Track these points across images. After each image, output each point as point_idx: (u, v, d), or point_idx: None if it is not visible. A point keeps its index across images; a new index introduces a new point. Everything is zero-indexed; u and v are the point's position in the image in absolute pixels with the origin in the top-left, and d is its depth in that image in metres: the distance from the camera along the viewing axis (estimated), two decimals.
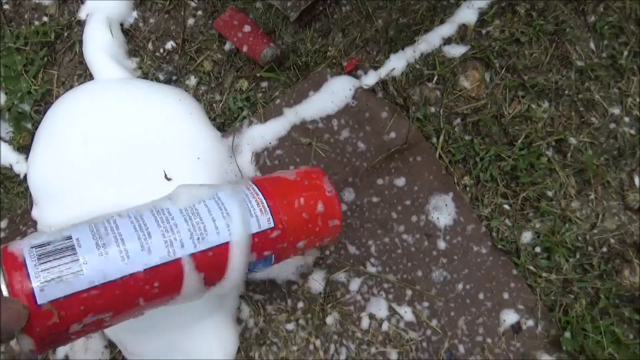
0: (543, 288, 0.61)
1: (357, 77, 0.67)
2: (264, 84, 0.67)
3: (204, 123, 0.65)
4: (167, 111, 0.64)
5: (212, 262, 0.45)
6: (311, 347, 0.60)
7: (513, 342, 0.60)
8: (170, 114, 0.64)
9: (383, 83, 0.66)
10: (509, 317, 0.61)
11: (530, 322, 0.60)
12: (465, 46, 0.67)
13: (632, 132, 0.65)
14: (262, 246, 0.48)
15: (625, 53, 0.67)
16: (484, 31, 0.67)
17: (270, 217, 0.48)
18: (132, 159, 0.62)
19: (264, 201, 0.49)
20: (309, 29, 0.68)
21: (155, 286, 0.42)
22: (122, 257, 0.41)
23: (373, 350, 0.60)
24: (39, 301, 0.37)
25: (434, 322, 0.61)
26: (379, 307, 0.61)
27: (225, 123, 0.67)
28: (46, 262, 0.39)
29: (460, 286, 0.62)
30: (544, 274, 0.62)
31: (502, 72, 0.66)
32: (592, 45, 0.67)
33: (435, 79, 0.66)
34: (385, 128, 0.65)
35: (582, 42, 0.67)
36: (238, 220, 0.46)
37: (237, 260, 0.46)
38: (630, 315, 0.59)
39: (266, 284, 0.62)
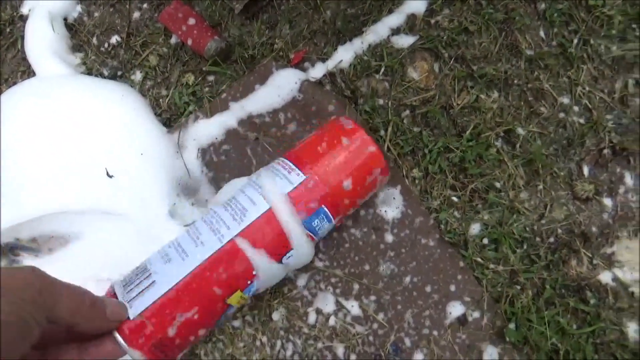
0: (490, 280, 0.61)
1: (305, 70, 0.66)
2: (211, 78, 0.66)
3: (148, 118, 0.65)
4: (111, 107, 0.63)
5: (264, 234, 0.48)
6: (258, 343, 0.60)
7: (459, 334, 0.60)
8: (114, 110, 0.63)
9: (331, 75, 0.65)
10: (455, 309, 0.61)
11: (477, 314, 0.60)
12: (414, 36, 0.66)
13: (581, 121, 0.65)
14: (304, 200, 0.49)
15: (575, 41, 0.66)
16: (432, 21, 0.66)
17: (298, 171, 0.50)
18: (74, 155, 0.61)
19: (288, 162, 0.52)
20: (255, 21, 0.67)
21: (221, 271, 0.46)
22: (182, 258, 0.46)
23: (319, 345, 0.60)
24: (131, 316, 0.42)
25: (380, 316, 0.61)
26: (326, 302, 0.61)
27: (171, 118, 0.66)
28: (129, 286, 0.45)
29: (407, 279, 0.62)
30: (491, 266, 0.61)
31: (451, 62, 0.66)
32: (542, 33, 0.66)
33: (383, 70, 0.65)
34: None
35: (531, 30, 0.66)
36: (269, 185, 0.49)
37: (287, 223, 0.48)
38: (575, 305, 0.59)
39: None
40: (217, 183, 0.64)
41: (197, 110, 0.65)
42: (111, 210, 0.59)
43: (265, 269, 0.48)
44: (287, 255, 0.50)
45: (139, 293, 0.44)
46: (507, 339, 0.58)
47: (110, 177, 0.60)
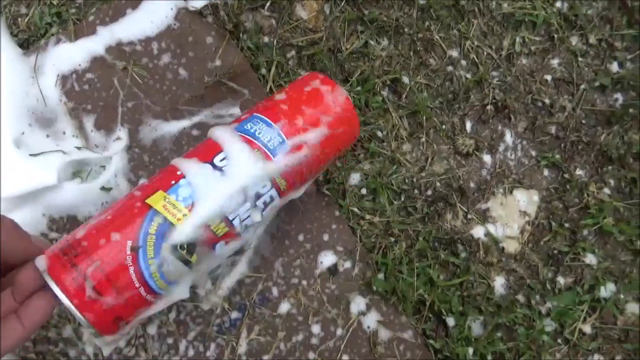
0: (365, 230, 0.59)
1: None
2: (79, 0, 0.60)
3: (2, 37, 0.57)
4: None
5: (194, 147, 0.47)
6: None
7: (328, 284, 0.58)
8: None
9: (213, 7, 0.60)
10: (327, 259, 0.58)
11: (348, 264, 0.58)
12: None
13: (468, 76, 0.64)
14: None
15: None
16: None
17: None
18: None
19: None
20: None
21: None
22: None
23: None
24: None
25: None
26: None
27: (29, 40, 0.59)
28: None
29: (281, 227, 0.59)
30: (367, 216, 0.60)
31: (342, 4, 0.62)
32: None
33: (269, 4, 0.61)
34: (211, 54, 0.59)
35: None
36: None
37: (213, 130, 0.47)
38: (446, 258, 0.59)
39: None
40: (77, 114, 0.58)
41: (60, 32, 0.58)
42: None
43: (195, 171, 0.44)
44: (219, 157, 0.45)
45: None
46: (375, 289, 0.57)
47: None
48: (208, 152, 0.46)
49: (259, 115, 0.48)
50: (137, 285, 0.39)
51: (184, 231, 0.42)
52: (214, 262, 0.47)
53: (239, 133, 0.46)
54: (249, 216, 0.45)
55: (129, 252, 0.40)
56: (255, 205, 0.45)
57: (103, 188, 0.56)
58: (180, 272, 0.43)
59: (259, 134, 0.46)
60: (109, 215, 0.41)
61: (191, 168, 0.44)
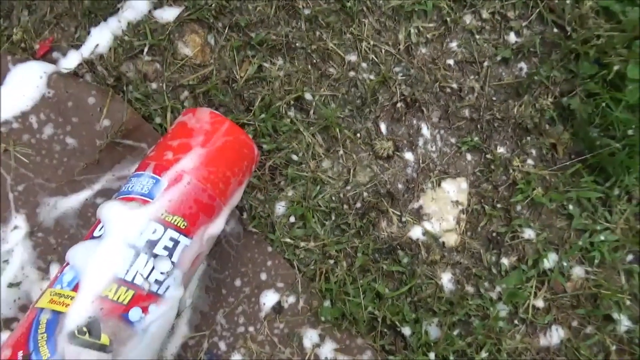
0: (302, 259, 0.57)
1: (55, 61, 0.56)
2: None
3: None
4: None
5: None
6: None
7: (276, 324, 0.55)
8: None
9: (88, 63, 0.56)
10: (269, 299, 0.56)
11: (292, 299, 0.56)
12: (179, 7, 0.58)
13: (372, 77, 0.62)
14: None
15: None
16: None
17: None
18: None
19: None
20: None
21: None
22: None
23: None
24: None
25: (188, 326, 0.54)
26: None
27: None
28: None
29: (213, 277, 0.55)
30: (301, 244, 0.57)
31: (226, 32, 0.59)
32: None
33: (147, 49, 0.57)
34: (96, 115, 0.55)
35: None
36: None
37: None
38: (389, 268, 0.57)
39: None
40: None
41: None
42: None
43: (75, 252, 0.42)
44: (98, 228, 0.43)
45: None
46: (322, 318, 0.55)
47: None
48: (91, 230, 0.43)
49: (131, 174, 0.45)
50: None
51: (74, 313, 0.38)
52: (146, 337, 0.43)
53: (117, 198, 0.44)
54: (153, 268, 0.42)
55: None
56: (154, 255, 0.42)
57: (11, 285, 0.51)
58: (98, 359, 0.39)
59: (131, 187, 0.44)
60: (9, 336, 0.38)
61: (72, 252, 0.41)
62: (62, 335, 0.37)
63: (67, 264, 0.41)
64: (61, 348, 0.36)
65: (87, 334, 0.38)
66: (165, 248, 0.42)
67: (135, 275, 0.40)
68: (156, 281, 0.42)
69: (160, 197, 0.42)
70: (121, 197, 0.43)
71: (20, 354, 0.36)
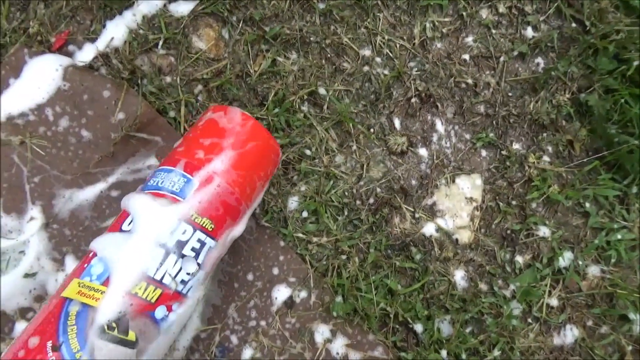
0: (314, 255, 0.57)
1: (71, 54, 0.56)
2: None
3: None
4: None
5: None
6: None
7: (287, 318, 0.55)
8: None
9: (103, 56, 0.56)
10: (281, 293, 0.56)
11: (304, 294, 0.56)
12: (194, 1, 0.58)
13: (386, 72, 0.62)
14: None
15: None
16: None
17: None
18: None
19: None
20: (2, 4, 0.56)
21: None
22: None
23: None
24: None
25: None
26: None
27: None
28: None
29: (225, 271, 0.56)
30: (314, 239, 0.57)
31: (240, 25, 0.59)
32: None
33: (162, 43, 0.57)
34: (111, 108, 0.55)
35: None
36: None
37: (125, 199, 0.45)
38: (401, 264, 0.57)
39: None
40: None
41: None
42: None
43: (104, 244, 0.42)
44: (126, 221, 0.43)
45: None
46: (334, 314, 0.55)
47: None
48: (118, 222, 0.43)
49: (159, 167, 0.45)
50: None
51: (106, 308, 0.38)
52: (168, 334, 0.43)
53: (145, 192, 0.43)
54: (180, 269, 0.42)
55: (50, 353, 0.37)
56: (183, 256, 0.42)
57: (27, 275, 0.52)
58: (123, 355, 0.39)
59: (161, 183, 0.43)
60: (31, 323, 0.38)
61: (100, 243, 0.41)
62: (93, 329, 0.37)
63: (94, 254, 0.41)
64: (91, 342, 0.37)
65: (115, 330, 0.38)
66: (193, 249, 0.43)
67: (164, 275, 0.41)
68: (182, 281, 0.42)
69: (191, 198, 0.42)
70: (150, 191, 0.43)
71: (49, 344, 0.36)
